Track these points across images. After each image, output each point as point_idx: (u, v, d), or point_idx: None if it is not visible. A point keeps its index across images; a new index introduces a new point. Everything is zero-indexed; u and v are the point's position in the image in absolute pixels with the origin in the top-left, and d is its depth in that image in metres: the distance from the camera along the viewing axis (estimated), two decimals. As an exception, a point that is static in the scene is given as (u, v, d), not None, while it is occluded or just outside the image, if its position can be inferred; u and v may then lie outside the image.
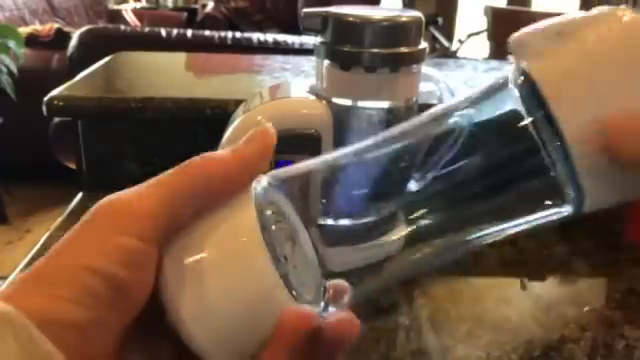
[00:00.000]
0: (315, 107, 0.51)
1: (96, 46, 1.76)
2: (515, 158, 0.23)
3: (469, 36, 2.93)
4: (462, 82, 0.83)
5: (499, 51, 1.33)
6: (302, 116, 0.51)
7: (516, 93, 0.23)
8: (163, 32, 1.88)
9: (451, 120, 0.25)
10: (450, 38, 3.37)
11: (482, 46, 1.80)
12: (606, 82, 0.20)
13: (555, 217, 0.24)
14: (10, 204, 2.33)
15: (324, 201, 0.26)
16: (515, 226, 0.24)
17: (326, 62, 0.50)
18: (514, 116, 0.22)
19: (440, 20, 3.01)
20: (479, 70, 0.92)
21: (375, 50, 0.48)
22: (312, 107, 0.51)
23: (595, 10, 0.22)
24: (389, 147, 0.26)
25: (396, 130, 0.26)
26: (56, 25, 2.58)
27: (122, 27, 2.08)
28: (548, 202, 0.23)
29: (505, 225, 0.24)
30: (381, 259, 0.25)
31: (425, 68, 0.53)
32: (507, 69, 0.24)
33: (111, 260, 0.21)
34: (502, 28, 1.39)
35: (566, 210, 0.23)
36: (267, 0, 3.53)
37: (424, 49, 0.50)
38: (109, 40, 1.85)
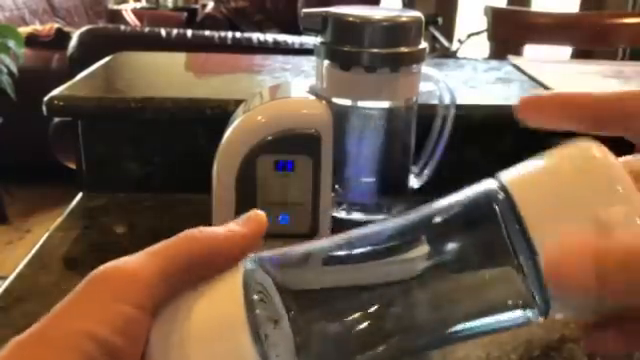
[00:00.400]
0: (315, 107, 0.51)
1: (96, 46, 1.76)
2: (486, 259, 0.24)
3: (469, 36, 2.93)
4: (462, 82, 0.83)
5: (499, 51, 1.33)
6: (302, 116, 0.51)
7: (495, 206, 0.24)
8: (163, 32, 1.88)
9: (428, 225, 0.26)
10: (450, 38, 3.37)
11: (482, 46, 1.80)
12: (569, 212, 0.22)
13: (519, 321, 0.24)
14: (10, 204, 2.33)
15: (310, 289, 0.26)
16: (475, 328, 0.25)
17: (326, 62, 0.50)
18: (489, 224, 0.24)
19: (440, 20, 3.01)
20: (479, 70, 0.92)
21: (375, 50, 0.48)
22: (312, 107, 0.51)
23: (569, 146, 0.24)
24: (367, 247, 0.26)
25: (371, 232, 0.26)
26: (56, 25, 2.58)
27: (122, 27, 2.08)
28: (513, 304, 0.24)
29: (465, 326, 0.25)
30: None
31: (425, 68, 0.53)
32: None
33: (110, 327, 0.22)
34: (502, 28, 1.39)
35: (530, 315, 0.24)
36: (267, 0, 3.53)
37: (424, 49, 0.50)
38: (109, 40, 1.85)
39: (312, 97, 0.52)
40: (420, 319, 0.25)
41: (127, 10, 3.44)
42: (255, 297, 0.24)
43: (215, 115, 0.67)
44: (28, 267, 0.57)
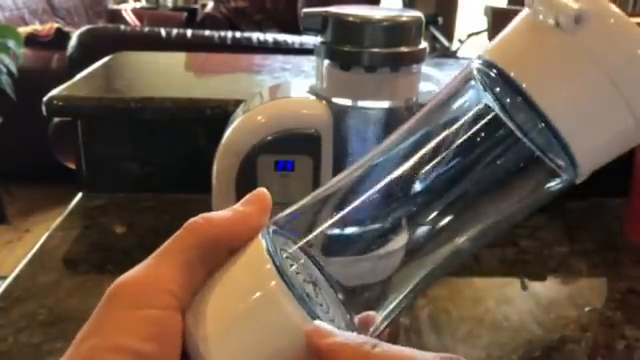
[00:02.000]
0: (315, 107, 0.51)
1: (96, 46, 1.76)
2: (497, 151, 0.24)
3: (469, 36, 2.94)
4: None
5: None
6: (302, 116, 0.51)
7: (481, 88, 0.23)
8: (163, 32, 1.88)
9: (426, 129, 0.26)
10: (450, 38, 3.37)
11: (482, 46, 1.80)
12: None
13: (553, 189, 0.24)
14: (10, 204, 2.33)
15: (328, 231, 0.26)
16: (518, 208, 0.25)
17: (326, 62, 0.50)
18: (484, 112, 0.23)
19: (440, 20, 3.01)
20: (479, 70, 0.92)
21: (375, 50, 0.48)
22: (312, 107, 0.51)
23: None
24: (374, 172, 0.26)
25: (377, 152, 0.26)
26: (56, 25, 2.58)
27: (122, 27, 2.08)
28: (543, 179, 0.24)
29: (505, 208, 0.25)
30: (388, 272, 0.25)
31: (425, 68, 0.53)
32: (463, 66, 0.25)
33: (138, 336, 0.22)
34: (502, 28, 1.39)
35: (561, 181, 0.24)
36: (267, 0, 3.53)
37: (424, 49, 0.50)
38: (109, 40, 1.85)
39: (312, 97, 0.52)
40: (461, 221, 0.25)
41: (127, 10, 3.44)
42: (284, 257, 0.24)
43: (215, 115, 0.67)
44: (28, 267, 0.57)
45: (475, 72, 0.24)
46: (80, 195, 0.72)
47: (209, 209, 0.54)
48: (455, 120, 0.24)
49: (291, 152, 0.51)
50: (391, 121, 0.54)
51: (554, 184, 0.24)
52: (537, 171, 0.24)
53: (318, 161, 0.51)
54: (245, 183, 0.51)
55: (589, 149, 0.22)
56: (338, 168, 0.53)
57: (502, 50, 0.24)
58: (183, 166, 0.72)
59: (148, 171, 0.73)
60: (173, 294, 0.23)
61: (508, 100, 0.23)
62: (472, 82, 0.24)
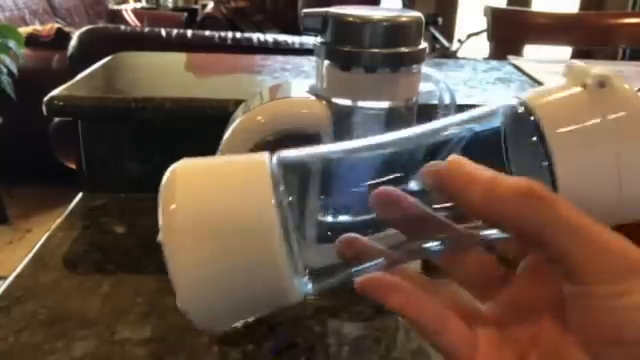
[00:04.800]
0: (315, 107, 0.51)
1: (96, 46, 1.76)
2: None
3: (469, 36, 2.93)
4: (462, 82, 0.83)
5: (499, 51, 1.33)
6: (302, 116, 0.51)
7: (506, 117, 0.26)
8: (163, 32, 1.88)
9: (447, 132, 0.28)
10: (450, 38, 3.37)
11: (482, 46, 1.80)
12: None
13: None
14: (10, 204, 2.33)
15: (322, 196, 0.26)
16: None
17: (326, 62, 0.50)
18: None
19: (440, 20, 3.01)
20: (479, 70, 0.92)
21: (375, 50, 0.48)
22: (312, 107, 0.51)
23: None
24: (391, 148, 0.28)
25: (398, 134, 0.28)
26: (56, 25, 2.58)
27: (122, 27, 2.08)
28: None
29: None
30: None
31: (425, 68, 0.53)
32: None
33: None
34: (502, 28, 1.39)
35: None
36: (267, 0, 3.53)
37: (424, 49, 0.50)
38: (109, 40, 1.85)
39: (312, 97, 0.52)
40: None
41: (127, 10, 3.44)
42: (282, 189, 0.24)
43: (215, 115, 0.67)
44: (28, 267, 0.57)
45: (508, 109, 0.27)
46: (80, 195, 0.72)
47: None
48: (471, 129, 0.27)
49: (291, 152, 0.51)
50: (391, 121, 0.54)
51: None
52: None
53: (318, 161, 0.51)
54: (245, 183, 0.51)
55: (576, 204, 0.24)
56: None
57: (541, 97, 0.27)
58: (183, 166, 0.72)
59: (148, 171, 0.73)
60: None
61: (523, 136, 0.25)
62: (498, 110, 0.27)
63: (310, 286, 0.25)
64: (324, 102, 0.51)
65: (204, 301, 0.23)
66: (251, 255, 0.23)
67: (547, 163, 0.24)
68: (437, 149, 0.27)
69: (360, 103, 0.52)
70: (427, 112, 0.57)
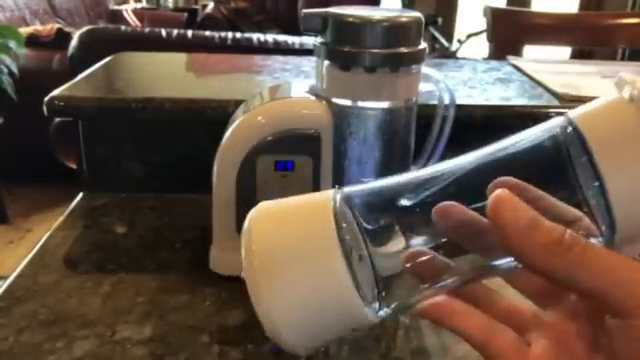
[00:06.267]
0: (315, 107, 0.51)
1: (97, 46, 1.76)
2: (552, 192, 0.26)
3: (469, 36, 2.93)
4: (462, 82, 0.83)
5: (499, 51, 1.33)
6: (302, 116, 0.51)
7: (561, 137, 0.26)
8: (163, 32, 1.88)
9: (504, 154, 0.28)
10: (450, 38, 3.37)
11: (482, 46, 1.80)
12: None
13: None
14: (11, 204, 2.33)
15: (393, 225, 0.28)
16: None
17: (326, 62, 0.50)
18: (557, 159, 0.26)
19: (440, 20, 3.01)
20: (479, 70, 0.92)
21: (375, 50, 0.48)
22: (312, 107, 0.51)
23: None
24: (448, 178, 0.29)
25: (455, 161, 0.29)
26: (57, 25, 2.58)
27: (123, 27, 2.08)
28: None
29: None
30: None
31: (425, 68, 0.53)
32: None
33: None
34: (502, 28, 1.39)
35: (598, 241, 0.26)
36: (267, 1, 3.53)
37: (424, 49, 0.50)
38: (109, 40, 1.85)
39: (312, 97, 0.52)
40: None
41: (127, 10, 3.44)
42: (344, 226, 0.26)
43: (215, 115, 0.67)
44: (29, 267, 0.57)
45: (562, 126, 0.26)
46: (81, 195, 0.72)
47: (209, 209, 0.55)
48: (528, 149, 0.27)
49: (291, 152, 0.51)
50: (391, 121, 0.54)
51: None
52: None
53: (318, 161, 0.51)
54: (245, 183, 0.51)
55: (632, 217, 0.24)
56: (338, 168, 0.53)
57: (587, 116, 0.26)
58: (183, 166, 0.72)
59: (149, 171, 0.73)
60: None
61: (578, 155, 0.25)
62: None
63: (383, 309, 0.27)
64: (324, 102, 0.51)
65: (284, 328, 0.26)
66: (320, 288, 0.26)
67: (598, 183, 0.24)
68: (497, 169, 0.27)
69: (360, 103, 0.52)
70: (427, 112, 0.57)
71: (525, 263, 0.25)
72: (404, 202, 0.28)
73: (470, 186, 0.28)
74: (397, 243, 0.28)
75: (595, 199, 0.24)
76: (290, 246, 0.26)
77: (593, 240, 0.25)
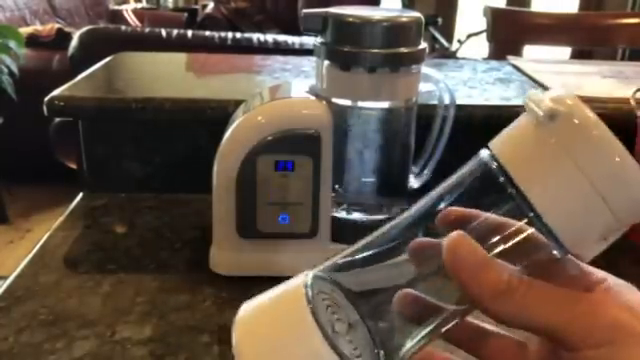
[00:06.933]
0: (315, 107, 0.51)
1: (97, 46, 1.75)
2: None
3: (469, 36, 2.93)
4: (462, 82, 0.83)
5: (498, 51, 1.33)
6: (302, 116, 0.51)
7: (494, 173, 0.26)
8: (163, 32, 1.88)
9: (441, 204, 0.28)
10: (450, 38, 3.37)
11: (482, 46, 1.80)
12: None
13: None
14: (11, 204, 2.33)
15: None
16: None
17: (326, 62, 0.50)
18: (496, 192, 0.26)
19: (440, 20, 3.01)
20: (478, 70, 0.92)
21: (375, 50, 0.48)
22: (312, 107, 0.51)
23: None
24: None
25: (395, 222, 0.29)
26: (57, 25, 2.58)
27: (123, 28, 2.08)
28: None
29: None
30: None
31: (425, 68, 0.53)
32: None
33: None
34: (502, 28, 1.39)
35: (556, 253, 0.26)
36: (267, 1, 3.53)
37: (424, 49, 0.50)
38: (110, 40, 1.85)
39: (312, 97, 0.52)
40: None
41: (128, 10, 3.44)
42: (322, 303, 0.26)
43: (215, 115, 0.67)
44: (29, 267, 0.57)
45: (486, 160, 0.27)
46: (81, 195, 0.72)
47: (209, 209, 0.55)
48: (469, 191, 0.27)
49: (291, 152, 0.51)
50: (391, 121, 0.54)
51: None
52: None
53: (318, 161, 0.51)
54: (245, 183, 0.51)
55: (575, 235, 0.25)
56: (338, 168, 0.53)
57: (503, 144, 0.27)
58: (183, 166, 0.72)
59: (149, 171, 0.73)
60: None
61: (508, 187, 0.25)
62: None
63: None
64: (324, 102, 0.51)
65: None
66: None
67: (530, 211, 0.24)
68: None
69: (360, 103, 0.52)
70: (427, 112, 0.57)
71: (478, 308, 0.25)
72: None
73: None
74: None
75: (534, 222, 0.24)
76: (276, 345, 0.26)
77: (555, 252, 0.25)
